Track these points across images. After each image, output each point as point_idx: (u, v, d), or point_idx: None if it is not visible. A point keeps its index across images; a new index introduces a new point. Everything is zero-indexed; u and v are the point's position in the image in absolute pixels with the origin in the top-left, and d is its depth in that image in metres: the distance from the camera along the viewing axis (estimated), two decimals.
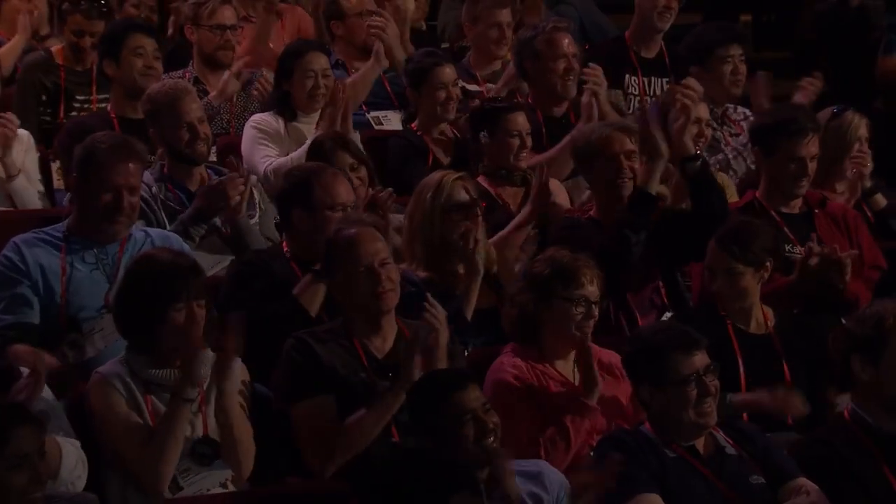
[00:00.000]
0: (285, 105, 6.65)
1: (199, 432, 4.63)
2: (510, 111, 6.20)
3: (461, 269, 5.47)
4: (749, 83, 7.06)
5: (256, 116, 6.67)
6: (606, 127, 5.79)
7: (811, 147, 5.95)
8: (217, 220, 5.84)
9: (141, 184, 5.39)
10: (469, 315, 5.40)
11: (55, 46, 7.23)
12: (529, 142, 6.19)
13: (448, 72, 6.75)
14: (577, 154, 5.89)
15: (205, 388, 4.62)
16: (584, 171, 5.88)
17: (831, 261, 5.63)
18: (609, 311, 5.57)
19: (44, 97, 6.96)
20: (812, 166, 5.98)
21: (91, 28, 7.09)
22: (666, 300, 5.85)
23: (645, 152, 5.58)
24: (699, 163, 5.62)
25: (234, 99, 7.08)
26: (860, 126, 6.42)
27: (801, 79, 7.19)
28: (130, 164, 5.22)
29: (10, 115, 6.30)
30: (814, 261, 5.59)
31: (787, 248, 5.79)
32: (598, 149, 5.69)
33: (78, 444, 4.44)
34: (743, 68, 7.00)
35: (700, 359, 4.63)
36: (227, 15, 7.10)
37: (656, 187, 5.51)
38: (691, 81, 5.60)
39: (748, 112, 7.07)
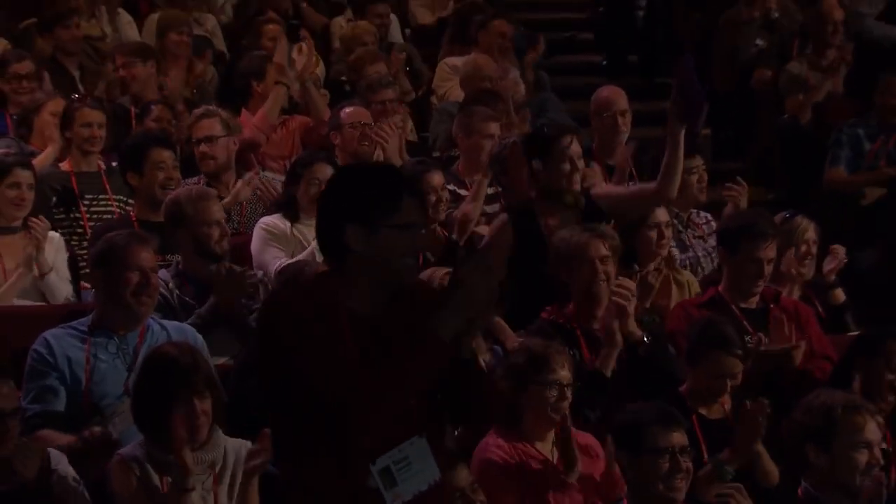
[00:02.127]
0: (291, 208, 6.61)
1: None
2: (562, 136, 6.10)
3: None
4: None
5: (265, 219, 6.61)
6: (583, 233, 5.69)
7: (769, 251, 5.94)
8: None
9: (156, 269, 5.35)
10: None
11: (63, 163, 7.16)
12: (581, 164, 6.11)
13: (437, 177, 6.69)
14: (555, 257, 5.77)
15: (217, 469, 4.57)
16: (562, 274, 5.72)
17: (784, 350, 5.66)
18: None
19: (54, 199, 6.90)
20: (768, 268, 5.97)
21: (98, 119, 7.08)
22: None
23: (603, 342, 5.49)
24: (648, 343, 5.52)
25: (245, 203, 7.07)
26: (808, 229, 6.40)
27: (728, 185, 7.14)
28: (144, 252, 5.22)
29: (42, 219, 6.27)
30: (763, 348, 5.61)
31: (747, 339, 5.70)
32: (575, 253, 5.60)
33: None
34: (705, 177, 6.99)
35: (678, 437, 4.64)
36: (204, 125, 7.10)
37: (609, 371, 5.40)
38: (625, 281, 5.56)
39: (709, 217, 7.04)
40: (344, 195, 3.56)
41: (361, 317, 3.49)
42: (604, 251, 5.59)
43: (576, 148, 6.18)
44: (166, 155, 6.60)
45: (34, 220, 6.23)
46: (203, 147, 7.04)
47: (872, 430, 4.83)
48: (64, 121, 7.12)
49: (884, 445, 5.03)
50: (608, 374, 5.37)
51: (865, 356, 5.47)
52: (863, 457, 4.79)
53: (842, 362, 5.64)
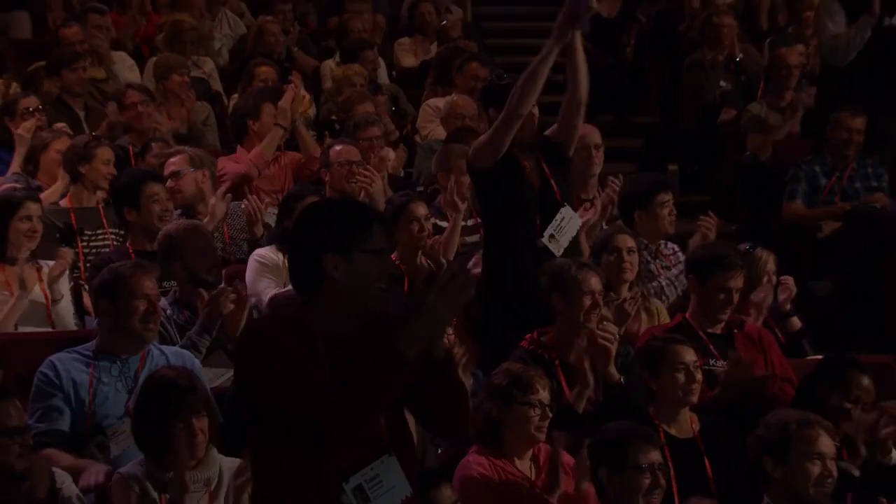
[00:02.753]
0: (284, 240, 6.61)
1: None
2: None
3: None
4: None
5: (259, 251, 6.62)
6: (583, 266, 5.66)
7: (738, 281, 5.95)
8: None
9: (158, 297, 5.38)
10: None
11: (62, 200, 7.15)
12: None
13: (421, 208, 6.70)
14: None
15: (212, 487, 4.56)
16: (553, 300, 5.67)
17: (761, 378, 5.69)
18: None
19: (57, 235, 6.86)
20: (736, 297, 5.98)
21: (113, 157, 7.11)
22: None
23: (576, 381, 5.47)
24: (622, 384, 5.49)
25: (226, 228, 7.08)
26: (768, 261, 6.43)
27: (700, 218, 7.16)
28: (147, 281, 5.25)
29: (67, 250, 6.32)
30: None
31: (711, 362, 5.74)
32: (573, 283, 5.56)
33: None
34: (674, 211, 7.01)
35: (655, 455, 4.69)
36: (171, 163, 7.09)
37: (582, 408, 5.38)
38: (609, 326, 5.56)
39: (676, 248, 7.05)
40: (318, 227, 3.61)
41: (336, 342, 3.51)
42: (600, 286, 5.58)
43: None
44: (159, 188, 6.59)
45: (63, 249, 6.28)
46: (170, 182, 7.02)
47: (826, 443, 4.82)
48: (80, 157, 7.09)
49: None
50: (580, 410, 5.35)
51: (826, 383, 5.49)
52: (816, 468, 4.77)
53: (802, 387, 5.65)
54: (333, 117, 9.01)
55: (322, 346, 3.51)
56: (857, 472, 5.18)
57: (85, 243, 6.88)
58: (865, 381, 5.44)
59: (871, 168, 8.19)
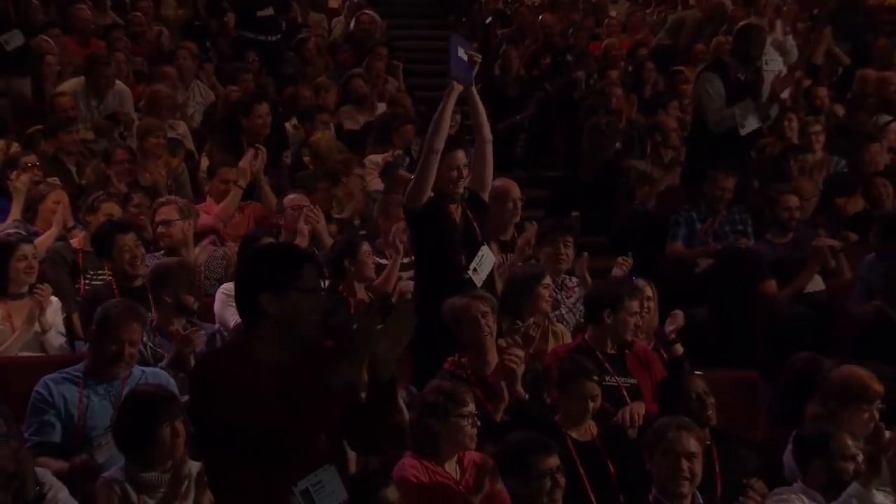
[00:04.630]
0: None
1: None
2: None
3: None
4: (576, 261, 7.08)
5: (226, 285, 6.52)
6: (465, 297, 5.61)
7: (632, 310, 5.95)
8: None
9: (141, 338, 5.35)
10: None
11: (73, 238, 7.09)
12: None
13: (365, 246, 6.73)
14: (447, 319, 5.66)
15: (183, 488, 4.49)
16: (456, 332, 5.62)
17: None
18: None
19: (66, 267, 6.80)
20: (634, 324, 5.99)
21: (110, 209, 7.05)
22: None
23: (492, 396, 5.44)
24: (526, 404, 5.48)
25: (203, 270, 7.05)
26: (645, 287, 6.44)
27: (616, 259, 7.21)
28: (135, 324, 5.20)
29: (46, 287, 6.19)
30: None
31: (607, 378, 5.72)
32: (461, 314, 5.55)
33: None
34: (572, 249, 7.01)
35: (553, 460, 4.65)
36: (162, 211, 7.07)
37: (498, 417, 5.37)
38: (516, 350, 5.48)
39: (577, 280, 7.05)
40: (255, 270, 3.58)
41: (278, 367, 3.48)
42: (483, 308, 5.53)
43: (461, 158, 6.04)
44: (128, 238, 6.42)
45: (39, 287, 6.14)
46: (161, 229, 6.99)
47: (692, 443, 4.84)
48: (88, 209, 7.08)
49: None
50: (497, 419, 5.33)
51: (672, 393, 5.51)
52: (684, 465, 4.80)
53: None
54: None
55: (265, 373, 3.47)
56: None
57: (88, 280, 6.80)
58: (702, 384, 5.44)
59: (737, 215, 8.26)
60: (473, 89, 6.05)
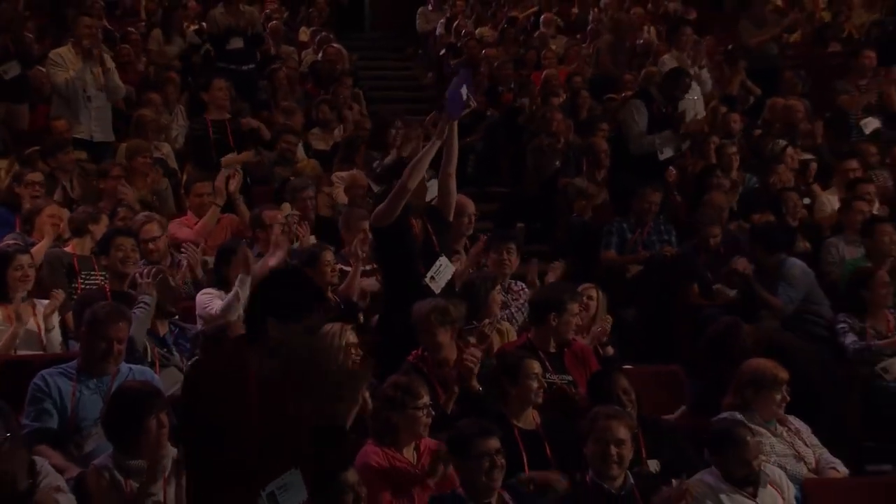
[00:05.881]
0: (222, 282, 6.54)
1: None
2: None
3: None
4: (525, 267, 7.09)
5: (204, 290, 6.53)
6: (429, 302, 5.61)
7: (572, 314, 5.98)
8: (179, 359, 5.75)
9: (127, 336, 5.28)
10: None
11: (68, 247, 7.04)
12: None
13: (328, 254, 6.73)
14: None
15: (167, 473, 4.44)
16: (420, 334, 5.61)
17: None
18: None
19: (63, 270, 6.78)
20: (572, 327, 6.01)
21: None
22: None
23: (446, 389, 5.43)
24: (480, 395, 5.45)
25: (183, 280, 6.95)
26: (592, 292, 6.46)
27: (552, 263, 7.24)
28: (121, 323, 5.16)
29: (59, 292, 6.19)
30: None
31: (548, 375, 5.72)
32: (424, 318, 5.53)
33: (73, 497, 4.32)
34: (516, 256, 7.02)
35: (493, 443, 4.62)
36: (147, 229, 6.99)
37: (449, 409, 5.34)
38: (474, 350, 5.51)
39: (523, 285, 7.07)
40: (272, 293, 3.52)
41: (265, 379, 3.44)
42: (448, 313, 5.52)
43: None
44: (123, 240, 6.49)
45: (56, 291, 6.18)
46: (151, 245, 6.96)
47: (622, 431, 4.87)
48: (91, 218, 7.06)
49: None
50: (448, 411, 5.32)
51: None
52: (613, 450, 4.83)
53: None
54: None
55: (253, 384, 3.43)
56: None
57: (83, 280, 6.78)
58: (624, 382, 5.46)
59: (663, 226, 8.33)
60: (455, 126, 5.91)
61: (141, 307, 5.79)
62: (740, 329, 5.94)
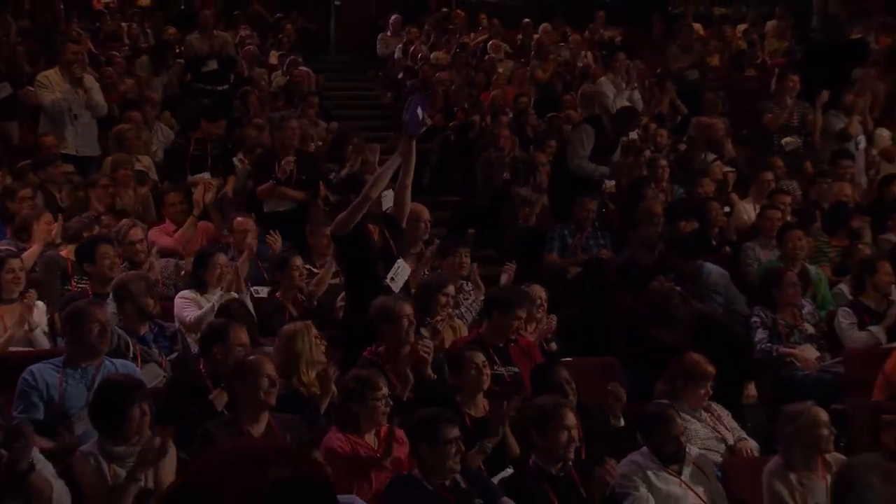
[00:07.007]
0: (199, 283, 6.48)
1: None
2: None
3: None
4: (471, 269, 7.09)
5: (182, 292, 6.49)
6: (396, 298, 5.56)
7: (520, 313, 5.99)
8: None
9: (108, 321, 5.21)
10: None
11: (62, 251, 6.91)
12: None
13: (297, 259, 6.65)
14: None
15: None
16: (381, 327, 5.53)
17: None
18: None
19: (58, 272, 6.66)
20: (519, 325, 6.02)
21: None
22: None
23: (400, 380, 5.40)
24: (434, 384, 5.46)
25: (161, 278, 6.93)
26: (540, 293, 6.47)
27: (504, 266, 7.24)
28: (100, 309, 5.15)
29: (32, 293, 6.07)
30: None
31: (495, 367, 5.73)
32: (391, 313, 5.46)
33: (63, 482, 4.25)
34: (468, 261, 7.04)
35: (456, 431, 4.62)
36: (132, 233, 6.91)
37: (405, 397, 5.32)
38: (427, 342, 5.49)
39: (471, 285, 7.07)
40: None
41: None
42: (409, 310, 5.52)
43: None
44: (108, 248, 6.41)
45: (28, 293, 6.04)
46: (139, 246, 6.89)
47: (570, 417, 4.89)
48: (86, 226, 6.97)
49: None
50: (404, 399, 5.31)
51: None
52: (563, 436, 4.84)
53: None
54: None
55: None
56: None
57: (76, 283, 6.66)
58: (566, 373, 5.49)
59: (599, 232, 8.38)
60: (414, 142, 5.84)
61: None
62: (675, 294, 5.95)
